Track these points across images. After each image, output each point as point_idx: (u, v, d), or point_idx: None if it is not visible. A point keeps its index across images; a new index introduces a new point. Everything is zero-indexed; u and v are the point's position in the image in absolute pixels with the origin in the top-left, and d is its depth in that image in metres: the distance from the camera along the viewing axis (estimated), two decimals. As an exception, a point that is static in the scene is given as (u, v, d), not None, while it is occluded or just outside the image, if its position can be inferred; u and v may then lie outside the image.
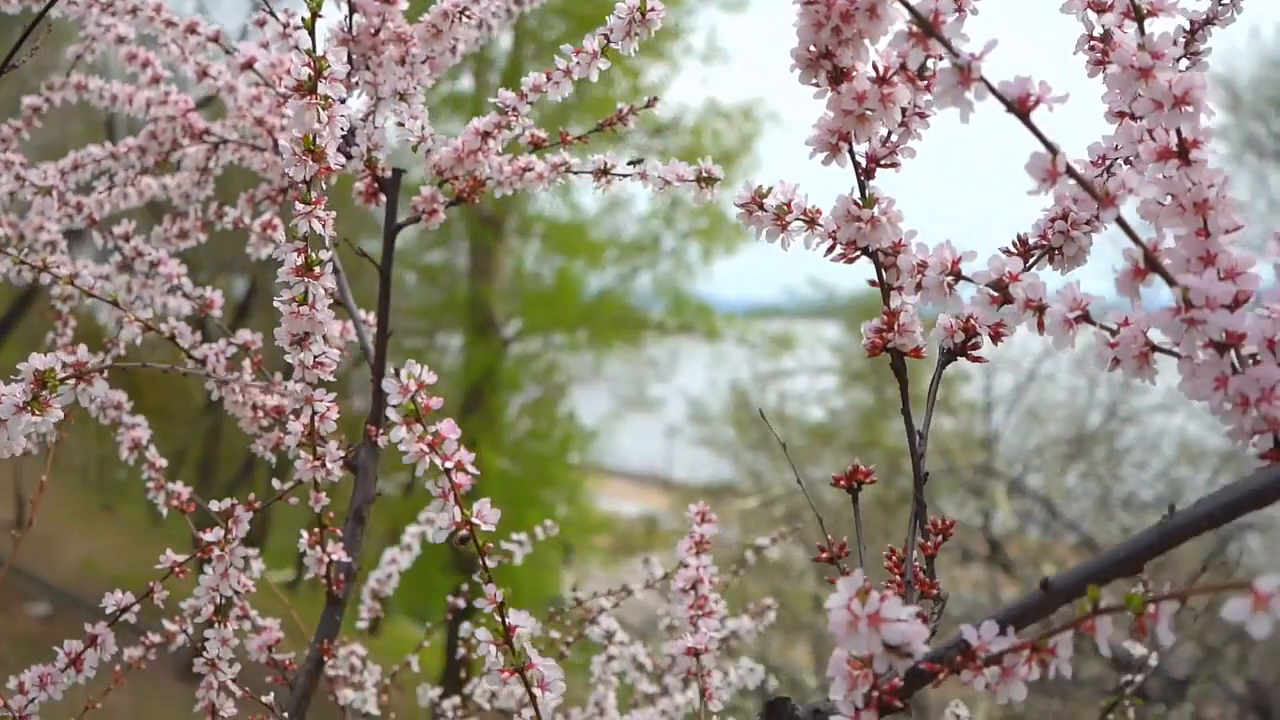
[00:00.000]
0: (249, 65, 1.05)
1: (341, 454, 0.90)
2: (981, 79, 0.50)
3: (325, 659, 0.99)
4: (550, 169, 0.96)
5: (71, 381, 0.66)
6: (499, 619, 0.64)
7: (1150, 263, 0.51)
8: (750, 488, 9.13)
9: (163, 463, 1.10)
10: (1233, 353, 0.52)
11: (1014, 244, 0.69)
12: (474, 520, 0.63)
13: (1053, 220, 0.68)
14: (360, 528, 1.02)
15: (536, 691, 0.64)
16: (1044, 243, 0.68)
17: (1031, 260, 0.69)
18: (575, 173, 0.96)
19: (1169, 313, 0.51)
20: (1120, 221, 0.52)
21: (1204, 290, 0.50)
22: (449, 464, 0.62)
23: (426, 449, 0.62)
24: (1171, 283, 0.51)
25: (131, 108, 1.22)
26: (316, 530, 0.96)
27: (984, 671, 0.52)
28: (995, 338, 0.68)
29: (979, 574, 7.24)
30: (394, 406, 0.61)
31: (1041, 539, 6.54)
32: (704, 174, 0.84)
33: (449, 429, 0.62)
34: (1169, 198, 0.54)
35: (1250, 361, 0.52)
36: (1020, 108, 0.51)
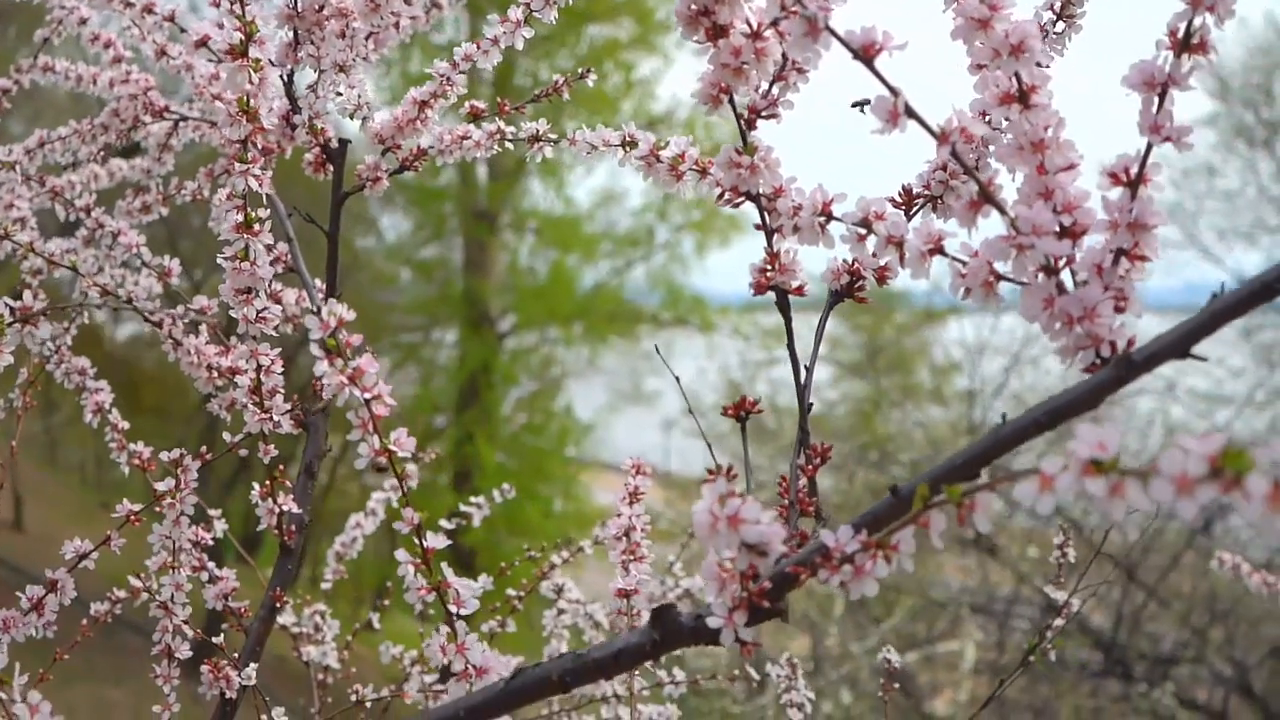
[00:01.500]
0: (203, 43, 1.10)
1: (288, 407, 0.95)
2: (828, 29, 0.55)
3: (278, 606, 1.04)
4: (487, 137, 1.01)
5: (18, 325, 0.71)
6: (417, 541, 0.69)
7: (985, 195, 0.56)
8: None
9: (125, 425, 1.14)
10: (1065, 276, 0.57)
11: (899, 193, 0.74)
12: (391, 448, 0.68)
13: (934, 170, 0.73)
14: (311, 481, 1.07)
15: (452, 608, 0.69)
16: (926, 191, 0.73)
17: (915, 208, 0.74)
18: (511, 140, 1.01)
19: (1002, 240, 0.56)
20: (958, 158, 0.57)
21: (1030, 219, 0.55)
22: (368, 395, 0.67)
23: (347, 381, 0.67)
24: (1004, 213, 0.56)
25: (95, 88, 1.27)
26: (268, 482, 1.01)
27: (840, 570, 0.57)
28: (880, 280, 0.73)
29: (969, 564, 7.31)
30: (315, 341, 0.66)
31: (1027, 525, 6.60)
32: (628, 139, 0.89)
33: (368, 363, 0.67)
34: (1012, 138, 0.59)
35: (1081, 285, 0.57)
36: (865, 55, 0.56)
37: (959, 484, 0.51)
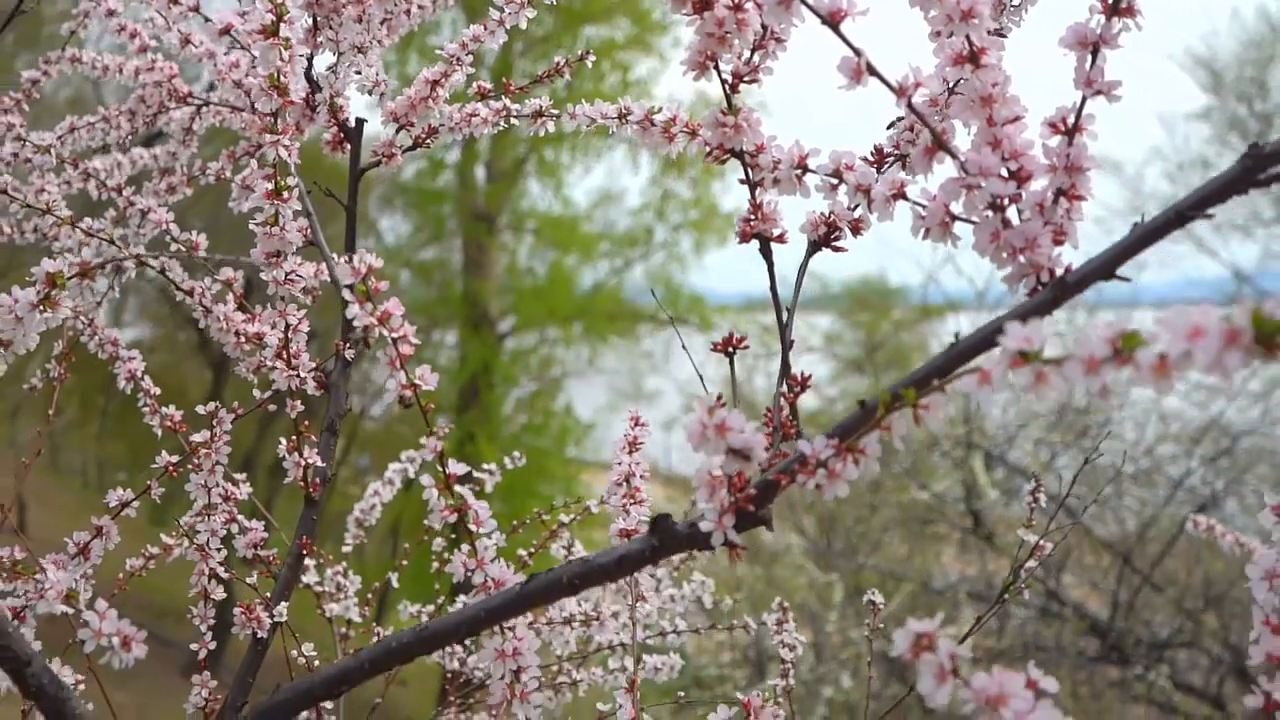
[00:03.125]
0: (226, 31, 1.17)
1: (313, 365, 1.03)
2: (799, -3, 0.63)
3: (305, 554, 1.12)
4: (493, 114, 1.09)
5: (77, 279, 0.78)
6: (440, 468, 0.77)
7: (938, 142, 0.64)
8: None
9: (156, 390, 1.22)
10: (1011, 214, 0.65)
11: (871, 152, 0.82)
12: (416, 381, 0.76)
13: (904, 131, 0.81)
14: (333, 439, 1.15)
15: (472, 527, 0.77)
16: (895, 150, 0.81)
17: (886, 165, 0.81)
18: (516, 117, 1.09)
19: (955, 182, 0.64)
20: (914, 110, 0.64)
21: (978, 162, 0.63)
22: (395, 335, 0.75)
23: (376, 322, 0.74)
24: (955, 157, 0.64)
25: (122, 76, 1.35)
26: (294, 438, 1.08)
27: (815, 474, 0.64)
28: (855, 231, 0.80)
29: (966, 553, 7.39)
30: (347, 287, 0.73)
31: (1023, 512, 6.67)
32: (624, 111, 0.96)
33: (395, 306, 0.75)
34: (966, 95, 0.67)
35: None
36: (832, 20, 0.63)
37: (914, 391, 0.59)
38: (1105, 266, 0.59)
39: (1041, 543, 1.17)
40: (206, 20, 1.21)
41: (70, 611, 0.79)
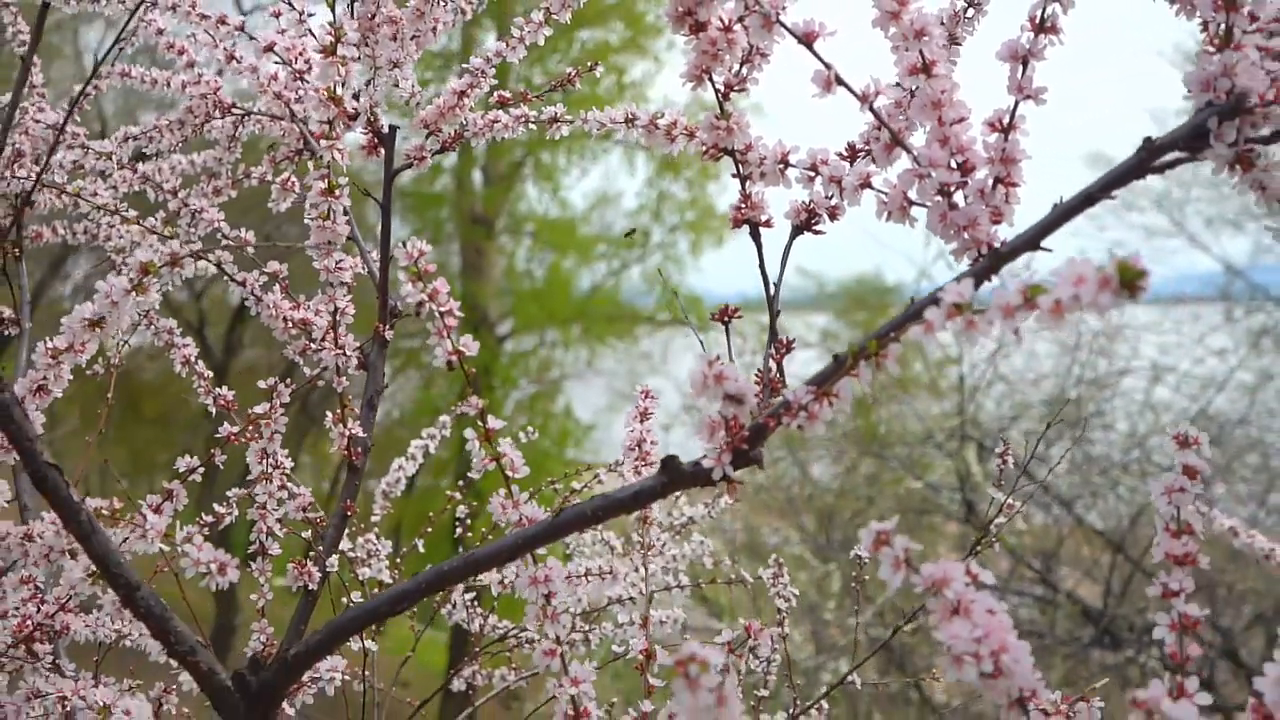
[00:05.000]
0: (270, 48, 1.31)
1: (358, 344, 1.16)
2: (779, 22, 0.76)
3: (348, 514, 1.25)
4: (513, 120, 1.22)
5: (168, 267, 0.91)
6: (480, 423, 0.91)
7: (895, 140, 0.78)
8: (743, 474, 9.32)
9: (209, 374, 1.36)
10: (957, 198, 0.79)
11: (845, 148, 0.95)
12: (460, 348, 0.89)
13: (871, 130, 0.94)
14: (372, 413, 1.28)
15: (509, 473, 0.90)
16: (866, 147, 0.94)
17: (859, 159, 0.95)
18: (533, 123, 1.23)
19: (909, 172, 0.78)
20: (874, 113, 0.78)
21: (929, 156, 0.77)
22: (443, 309, 0.88)
23: (427, 298, 0.88)
24: (909, 151, 0.77)
25: (170, 89, 1.48)
26: (339, 410, 1.22)
27: (797, 416, 0.77)
28: (832, 216, 0.94)
29: (962, 551, 7.54)
30: (403, 268, 0.87)
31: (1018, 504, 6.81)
32: (630, 116, 1.10)
33: (442, 285, 0.89)
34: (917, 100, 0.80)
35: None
36: (807, 40, 0.77)
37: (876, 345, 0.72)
38: (1030, 240, 0.73)
39: (1009, 501, 1.30)
40: (251, 39, 1.34)
41: (167, 549, 0.92)
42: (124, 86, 1.55)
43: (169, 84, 1.48)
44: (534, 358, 12.37)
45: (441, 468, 9.97)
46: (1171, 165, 0.72)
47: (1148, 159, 0.71)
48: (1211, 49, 0.70)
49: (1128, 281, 0.54)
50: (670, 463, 0.83)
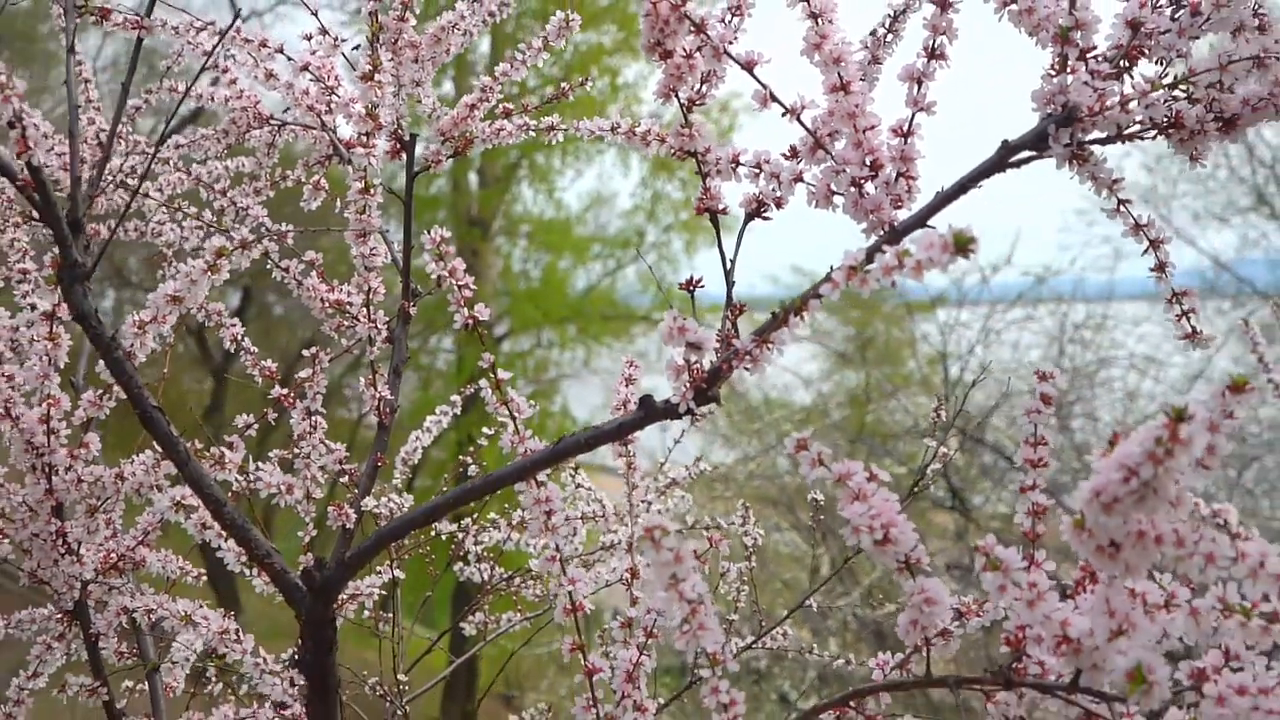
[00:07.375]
0: (305, 68, 1.52)
1: (387, 319, 1.38)
2: (726, 52, 0.98)
3: (379, 466, 1.47)
4: (516, 128, 1.44)
5: (239, 250, 1.13)
6: (493, 375, 1.12)
7: (817, 143, 0.99)
8: (742, 473, 9.52)
9: (255, 350, 1.57)
10: (868, 188, 1.00)
11: (789, 148, 1.17)
12: (476, 315, 1.11)
13: (804, 136, 1.16)
14: (398, 380, 1.50)
15: (516, 414, 1.12)
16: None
17: (799, 158, 1.16)
18: (534, 131, 1.44)
19: (830, 169, 0.99)
20: (801, 123, 1.00)
21: (844, 155, 0.98)
22: (460, 283, 1.10)
23: (447, 275, 1.09)
24: (828, 152, 0.99)
25: (213, 103, 1.69)
26: (370, 376, 1.44)
27: (744, 359, 0.99)
28: (777, 205, 1.15)
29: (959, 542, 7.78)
30: (427, 250, 1.08)
31: (999, 488, 7.05)
32: (615, 125, 1.31)
33: (460, 263, 1.10)
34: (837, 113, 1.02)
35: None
36: (748, 66, 0.99)
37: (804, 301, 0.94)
38: (919, 220, 0.95)
39: (944, 451, 1.52)
40: (289, 59, 1.55)
41: (243, 480, 1.14)
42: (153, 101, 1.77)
43: (212, 99, 1.69)
44: (531, 358, 12.56)
45: (440, 467, 10.15)
46: (1025, 162, 0.94)
47: (1005, 156, 0.93)
48: (1052, 72, 0.92)
49: (961, 246, 0.76)
50: (646, 401, 1.04)
